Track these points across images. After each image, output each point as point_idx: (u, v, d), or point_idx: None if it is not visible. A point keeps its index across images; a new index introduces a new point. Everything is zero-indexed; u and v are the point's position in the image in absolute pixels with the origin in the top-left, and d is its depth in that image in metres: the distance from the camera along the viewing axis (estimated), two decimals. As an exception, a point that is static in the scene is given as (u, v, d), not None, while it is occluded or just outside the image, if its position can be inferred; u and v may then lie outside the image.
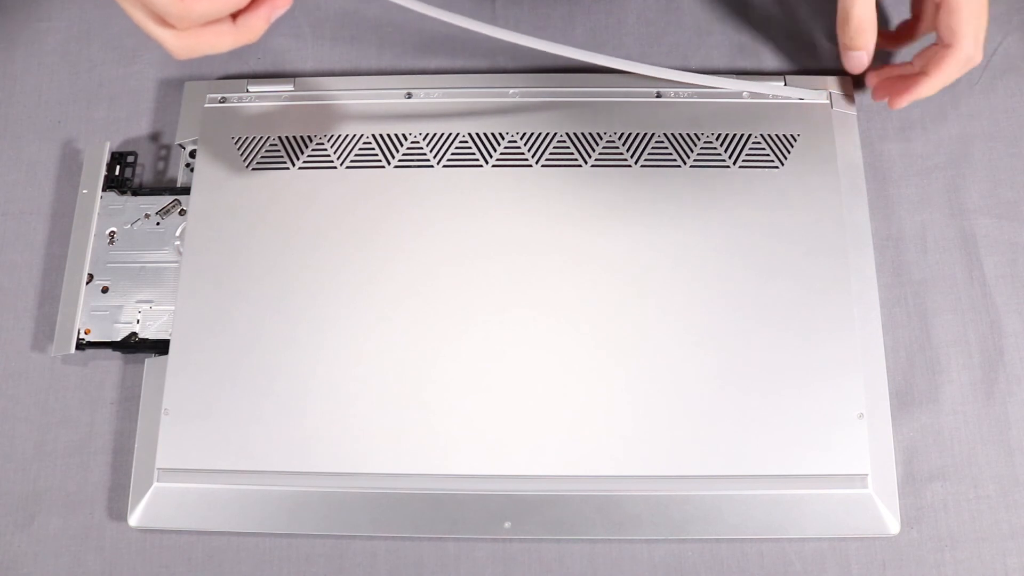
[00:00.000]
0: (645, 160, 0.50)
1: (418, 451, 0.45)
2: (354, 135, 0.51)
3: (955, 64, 0.48)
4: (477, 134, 0.51)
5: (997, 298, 0.49)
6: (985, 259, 0.50)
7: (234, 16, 0.41)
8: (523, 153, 0.50)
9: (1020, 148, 0.52)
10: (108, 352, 0.48)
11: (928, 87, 0.48)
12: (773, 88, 0.51)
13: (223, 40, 0.41)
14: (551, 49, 0.48)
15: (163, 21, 0.40)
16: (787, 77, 0.52)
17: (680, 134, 0.50)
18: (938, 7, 0.47)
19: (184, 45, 0.41)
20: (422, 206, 0.49)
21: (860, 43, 0.48)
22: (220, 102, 0.52)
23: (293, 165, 0.50)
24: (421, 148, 0.50)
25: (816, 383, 0.45)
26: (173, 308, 0.48)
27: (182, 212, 0.50)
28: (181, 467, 0.45)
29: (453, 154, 0.50)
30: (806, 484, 0.44)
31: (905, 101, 0.49)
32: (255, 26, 0.42)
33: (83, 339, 0.48)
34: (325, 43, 0.56)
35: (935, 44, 0.48)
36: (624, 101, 0.51)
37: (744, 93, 0.51)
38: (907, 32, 0.52)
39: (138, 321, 0.48)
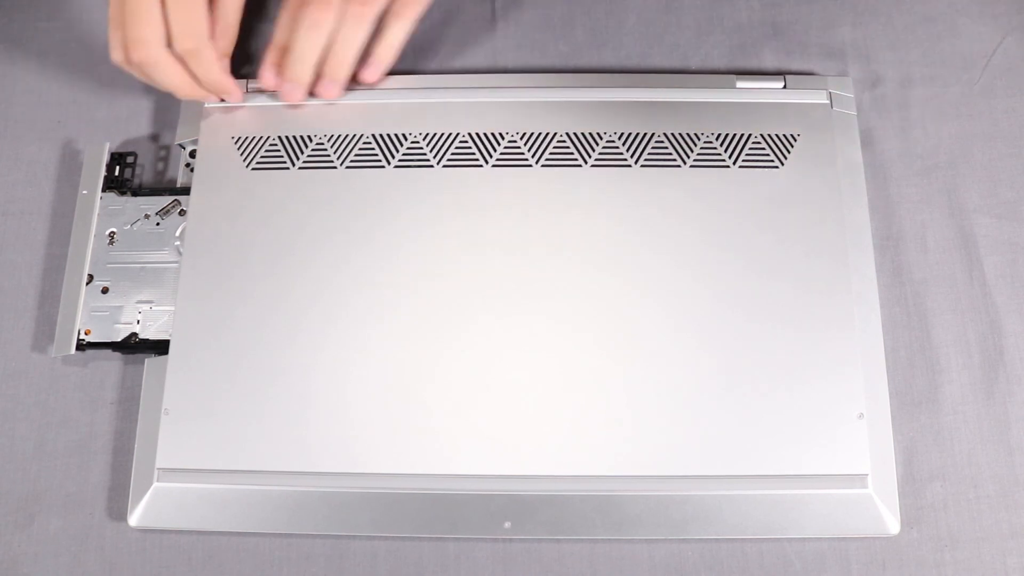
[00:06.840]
0: (645, 160, 0.50)
1: (418, 451, 0.45)
2: (354, 135, 0.51)
3: None
4: (477, 134, 0.51)
5: (997, 298, 0.49)
6: (985, 259, 0.50)
7: None
8: (523, 153, 0.50)
9: (1020, 148, 0.52)
10: (108, 352, 0.48)
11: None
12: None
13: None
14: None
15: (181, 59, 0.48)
16: (787, 77, 0.52)
17: (680, 134, 0.50)
18: None
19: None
20: (422, 206, 0.49)
21: (295, 74, 0.49)
22: (220, 102, 0.52)
23: (293, 165, 0.50)
24: (421, 148, 0.50)
25: (816, 383, 0.45)
26: (173, 308, 0.48)
27: (182, 212, 0.50)
28: (181, 467, 0.45)
29: (453, 154, 0.50)
30: (806, 484, 0.44)
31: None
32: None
33: (83, 339, 0.48)
34: (325, 43, 0.56)
35: None
36: (624, 101, 0.51)
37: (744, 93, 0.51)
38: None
39: (138, 322, 0.48)
